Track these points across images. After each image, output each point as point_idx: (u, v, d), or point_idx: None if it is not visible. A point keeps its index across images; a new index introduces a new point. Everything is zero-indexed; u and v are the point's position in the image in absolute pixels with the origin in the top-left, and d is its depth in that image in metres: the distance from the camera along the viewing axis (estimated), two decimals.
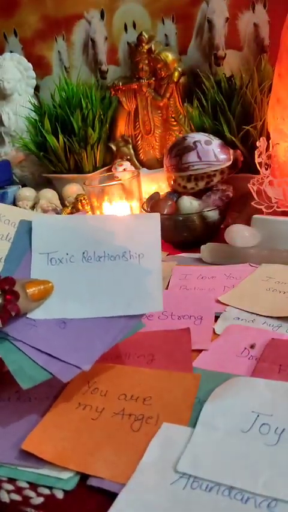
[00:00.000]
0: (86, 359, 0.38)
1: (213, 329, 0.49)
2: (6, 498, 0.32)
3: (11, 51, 1.15)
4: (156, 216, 0.46)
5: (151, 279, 0.43)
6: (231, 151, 0.75)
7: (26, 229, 0.45)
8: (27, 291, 0.40)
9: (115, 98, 1.02)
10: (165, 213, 0.72)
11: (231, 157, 0.74)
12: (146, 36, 0.94)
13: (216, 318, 0.51)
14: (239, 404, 0.36)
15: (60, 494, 0.32)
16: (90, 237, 0.45)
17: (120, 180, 0.77)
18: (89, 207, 0.83)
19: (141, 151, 1.03)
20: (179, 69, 0.93)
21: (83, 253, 0.44)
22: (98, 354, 0.39)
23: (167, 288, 0.59)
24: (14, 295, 0.39)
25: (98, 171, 1.00)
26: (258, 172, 0.69)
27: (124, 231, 0.45)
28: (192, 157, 0.73)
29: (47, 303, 0.42)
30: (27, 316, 0.41)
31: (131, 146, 1.03)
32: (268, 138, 0.71)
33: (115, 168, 0.95)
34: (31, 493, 0.32)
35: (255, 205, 0.68)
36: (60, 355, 0.39)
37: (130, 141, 1.03)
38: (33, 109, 1.06)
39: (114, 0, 1.01)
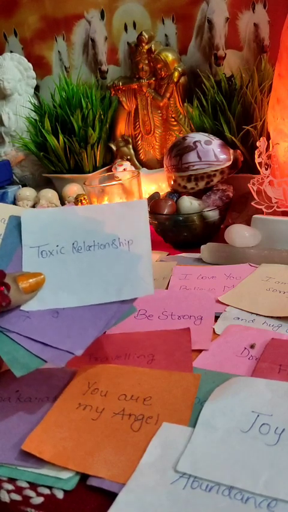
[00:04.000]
0: (78, 345, 0.39)
1: (213, 329, 0.49)
2: (6, 498, 0.32)
3: (11, 51, 1.15)
4: (143, 203, 0.47)
5: (141, 264, 0.44)
6: (231, 151, 0.75)
7: (15, 225, 0.46)
8: (19, 283, 0.41)
9: (115, 98, 1.03)
10: (165, 213, 0.72)
11: (231, 157, 0.74)
12: (146, 36, 0.94)
13: (216, 318, 0.51)
14: (239, 404, 0.36)
15: (60, 494, 0.32)
16: (80, 228, 0.45)
17: (120, 180, 0.77)
18: None
19: (141, 151, 1.03)
20: (179, 69, 0.93)
21: (73, 244, 0.45)
22: (90, 339, 0.40)
23: (167, 288, 0.59)
24: (4, 287, 0.39)
25: (98, 171, 1.00)
26: (258, 172, 0.69)
27: (112, 219, 0.46)
28: (192, 157, 0.73)
29: (40, 294, 0.42)
30: (21, 308, 0.41)
31: (131, 146, 1.03)
32: (268, 138, 0.71)
33: (115, 168, 0.95)
34: (31, 493, 0.32)
35: (255, 205, 0.68)
36: (53, 343, 0.39)
37: (130, 141, 1.03)
38: (33, 109, 1.06)
39: (114, 0, 1.01)
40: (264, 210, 0.67)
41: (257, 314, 0.51)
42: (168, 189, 0.80)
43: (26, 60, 1.10)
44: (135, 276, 0.43)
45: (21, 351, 0.39)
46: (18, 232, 0.45)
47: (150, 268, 0.44)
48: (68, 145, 0.98)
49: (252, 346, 0.45)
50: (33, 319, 0.41)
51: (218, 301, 0.54)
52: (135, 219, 0.46)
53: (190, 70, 0.96)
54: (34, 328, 0.40)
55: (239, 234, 0.66)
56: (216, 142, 0.74)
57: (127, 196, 0.75)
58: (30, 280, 0.42)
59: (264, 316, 0.50)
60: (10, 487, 0.33)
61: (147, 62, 0.96)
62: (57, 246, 0.45)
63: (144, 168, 1.00)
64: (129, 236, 0.45)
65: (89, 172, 1.00)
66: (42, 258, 0.44)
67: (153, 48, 0.94)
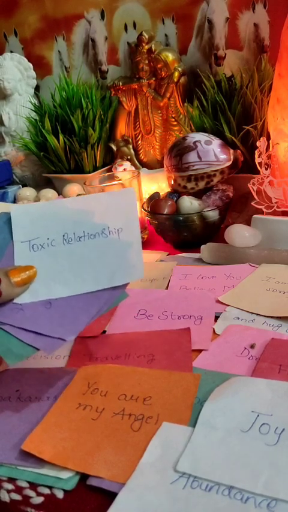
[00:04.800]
0: (70, 331, 0.39)
1: (213, 329, 0.49)
2: (6, 498, 0.32)
3: (11, 51, 1.15)
4: (131, 190, 0.48)
5: (131, 251, 0.44)
6: (231, 151, 0.75)
7: (5, 221, 0.47)
8: (11, 277, 0.41)
9: (115, 97, 1.03)
10: (165, 213, 0.72)
11: (231, 157, 0.74)
12: (146, 36, 0.94)
13: (216, 318, 0.51)
14: (239, 404, 0.36)
15: (60, 494, 0.32)
16: (69, 219, 0.46)
17: (120, 180, 0.77)
18: None
19: (141, 151, 1.03)
20: (179, 69, 0.93)
21: (63, 235, 0.46)
22: (82, 325, 0.40)
23: (167, 288, 0.59)
24: None
25: (98, 171, 1.00)
26: (258, 172, 0.69)
27: (101, 209, 0.47)
28: (192, 157, 0.73)
29: (32, 287, 0.43)
30: (14, 301, 0.42)
31: (131, 146, 1.03)
32: (268, 138, 0.71)
33: (115, 168, 0.95)
34: (31, 493, 0.32)
35: (255, 205, 0.68)
36: (45, 332, 0.40)
37: (130, 141, 1.03)
38: (33, 109, 1.06)
39: (114, 0, 1.01)
40: (264, 210, 0.67)
41: (257, 314, 0.51)
42: (168, 189, 0.80)
43: (26, 60, 1.10)
44: (126, 262, 0.44)
45: (14, 341, 0.39)
46: (8, 228, 0.46)
47: (140, 254, 0.45)
48: (68, 145, 0.98)
49: (252, 346, 0.45)
50: (26, 311, 0.42)
51: (218, 301, 0.54)
52: (124, 207, 0.47)
53: (190, 70, 0.96)
54: (27, 319, 0.41)
55: (239, 234, 0.66)
56: (216, 142, 0.74)
57: None
58: (22, 273, 0.42)
59: (264, 316, 0.50)
60: (10, 486, 0.33)
61: (147, 62, 0.96)
62: (47, 238, 0.45)
63: (144, 168, 1.00)
64: (118, 224, 0.46)
65: (89, 172, 1.00)
66: (34, 252, 0.45)
67: (153, 48, 0.94)
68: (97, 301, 0.42)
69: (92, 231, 0.45)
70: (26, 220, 0.46)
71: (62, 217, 0.46)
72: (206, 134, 0.76)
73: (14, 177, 1.10)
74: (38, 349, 0.38)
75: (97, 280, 0.43)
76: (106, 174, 0.83)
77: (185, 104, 0.92)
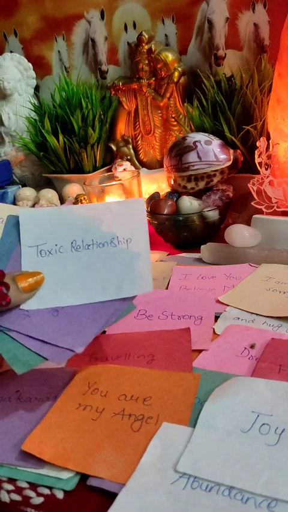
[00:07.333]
0: (79, 342, 0.39)
1: (213, 329, 0.49)
2: (6, 498, 0.32)
3: (11, 51, 1.15)
4: (141, 201, 0.47)
5: (140, 262, 0.44)
6: (231, 151, 0.75)
7: (13, 224, 0.46)
8: (18, 283, 0.41)
9: (115, 97, 1.03)
10: (165, 213, 0.72)
11: (231, 157, 0.74)
12: (146, 36, 0.94)
13: (216, 318, 0.51)
14: (239, 404, 0.36)
15: (60, 494, 0.32)
16: (78, 226, 0.46)
17: (120, 180, 0.77)
18: None
19: (141, 151, 1.03)
20: (179, 69, 0.93)
21: (72, 242, 0.45)
22: (91, 336, 0.40)
23: (167, 288, 0.59)
24: (3, 286, 0.39)
25: (98, 171, 1.00)
26: (258, 172, 0.69)
27: (111, 218, 0.46)
28: (192, 157, 0.73)
29: (39, 293, 0.43)
30: (20, 307, 0.42)
31: (131, 146, 1.03)
32: (268, 138, 0.71)
33: (115, 168, 0.95)
34: (31, 493, 0.32)
35: (255, 205, 0.68)
36: (53, 341, 0.39)
37: (130, 141, 1.03)
38: (33, 109, 1.06)
39: (114, 0, 1.01)
40: (264, 210, 0.67)
41: (257, 314, 0.51)
42: (168, 189, 0.80)
43: (26, 60, 1.10)
44: (134, 274, 0.43)
45: (21, 348, 0.39)
46: (16, 232, 0.46)
47: (149, 266, 0.44)
48: (68, 146, 0.98)
49: (252, 346, 0.45)
50: (32, 317, 0.41)
51: (218, 301, 0.54)
52: (133, 217, 0.46)
53: (190, 70, 0.96)
54: (34, 326, 0.40)
55: (239, 234, 0.66)
56: (216, 142, 0.74)
57: (127, 196, 0.75)
58: (30, 279, 0.42)
59: (264, 316, 0.50)
60: (10, 487, 0.33)
61: (147, 62, 0.96)
62: (56, 245, 0.45)
63: (144, 168, 1.00)
64: (127, 234, 0.45)
65: (89, 172, 1.00)
66: (41, 257, 0.44)
67: (153, 48, 0.94)
68: (105, 312, 0.42)
69: (100, 240, 0.45)
70: (34, 224, 0.46)
71: (70, 224, 0.46)
72: (206, 134, 0.76)
73: (14, 177, 1.10)
74: (46, 359, 0.38)
75: (104, 290, 0.43)
76: (106, 174, 0.83)
77: (185, 104, 0.92)
